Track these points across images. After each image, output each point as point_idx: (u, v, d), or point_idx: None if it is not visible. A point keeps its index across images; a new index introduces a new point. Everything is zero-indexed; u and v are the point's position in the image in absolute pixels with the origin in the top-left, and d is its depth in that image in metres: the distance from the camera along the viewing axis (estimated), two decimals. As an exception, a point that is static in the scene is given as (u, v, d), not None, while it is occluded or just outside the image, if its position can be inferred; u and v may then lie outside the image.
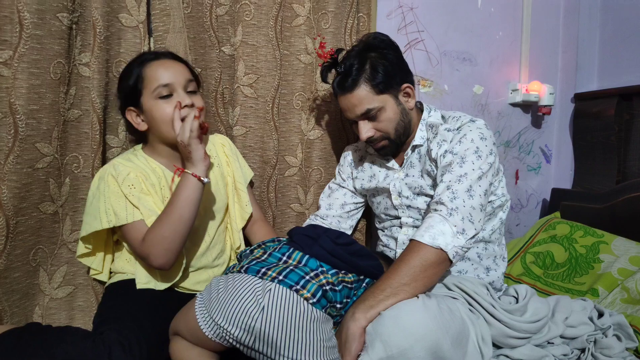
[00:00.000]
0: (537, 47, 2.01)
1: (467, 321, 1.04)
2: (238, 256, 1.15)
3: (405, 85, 1.26)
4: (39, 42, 1.14)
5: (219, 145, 1.37)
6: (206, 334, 0.92)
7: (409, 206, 1.30)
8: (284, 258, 1.01)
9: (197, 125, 1.10)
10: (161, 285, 1.15)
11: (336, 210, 1.47)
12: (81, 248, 1.20)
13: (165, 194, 1.19)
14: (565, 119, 2.11)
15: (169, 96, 1.16)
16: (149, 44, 1.34)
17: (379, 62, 1.21)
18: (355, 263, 1.03)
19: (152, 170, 1.20)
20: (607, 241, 1.57)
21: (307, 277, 0.94)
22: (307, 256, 1.00)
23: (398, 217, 1.34)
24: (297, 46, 1.53)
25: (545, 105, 1.98)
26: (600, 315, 1.22)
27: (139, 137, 1.34)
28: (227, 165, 1.36)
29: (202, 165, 1.11)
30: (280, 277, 0.93)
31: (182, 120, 1.13)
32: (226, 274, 1.02)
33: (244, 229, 1.37)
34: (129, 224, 1.11)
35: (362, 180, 1.43)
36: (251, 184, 1.47)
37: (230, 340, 0.90)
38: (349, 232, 1.51)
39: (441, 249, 1.04)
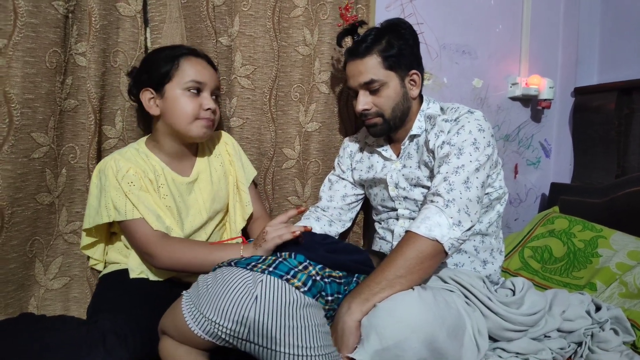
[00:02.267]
0: (537, 40, 2.00)
1: (464, 313, 1.03)
2: None
3: (413, 71, 1.26)
4: (34, 30, 1.13)
5: (222, 143, 1.37)
6: (194, 331, 0.90)
7: (405, 197, 1.30)
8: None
9: (288, 237, 1.07)
10: (154, 277, 1.16)
11: (337, 202, 1.47)
12: (85, 239, 1.20)
13: (164, 192, 1.19)
14: (565, 113, 2.10)
15: (196, 94, 1.17)
16: (145, 34, 1.33)
17: (396, 41, 1.24)
18: (333, 259, 1.03)
19: (151, 167, 1.19)
20: (606, 236, 1.56)
21: (296, 269, 0.95)
22: (293, 253, 1.02)
23: (395, 209, 1.33)
24: (295, 37, 1.52)
25: (545, 99, 1.97)
26: (598, 309, 1.21)
27: (141, 126, 1.33)
28: (230, 165, 1.36)
29: (259, 253, 1.08)
30: (271, 269, 0.93)
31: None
32: (214, 270, 1.02)
33: (245, 226, 1.37)
34: (128, 221, 1.11)
35: (361, 171, 1.43)
36: (255, 184, 1.46)
37: (222, 335, 0.89)
38: (349, 224, 1.51)
39: (437, 241, 1.03)
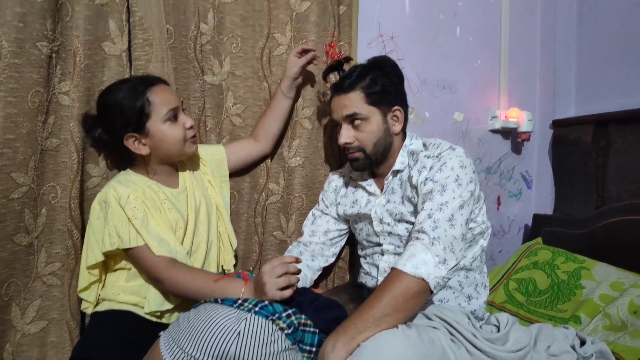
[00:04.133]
0: (515, 74, 2.06)
1: (449, 351, 1.02)
2: None
3: (396, 107, 1.29)
4: (17, 70, 1.13)
5: (200, 162, 1.39)
6: None
7: (390, 233, 1.30)
8: None
9: (289, 294, 1.06)
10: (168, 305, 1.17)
11: (319, 237, 1.47)
12: (85, 278, 1.17)
13: (168, 206, 1.21)
14: (545, 145, 2.14)
15: (174, 119, 1.21)
16: (130, 73, 1.34)
17: (380, 78, 1.27)
18: (323, 321, 1.03)
19: (147, 186, 1.21)
20: (589, 267, 1.58)
21: (281, 314, 0.95)
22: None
23: (380, 244, 1.34)
24: (279, 75, 1.54)
25: (525, 132, 2.01)
26: (583, 343, 1.21)
27: (122, 162, 1.33)
28: (211, 185, 1.38)
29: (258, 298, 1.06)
30: (257, 309, 0.93)
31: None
32: (196, 307, 1.01)
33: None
34: (133, 249, 1.12)
35: (345, 206, 1.43)
36: None
37: None
38: (332, 260, 1.51)
39: (423, 279, 1.04)
